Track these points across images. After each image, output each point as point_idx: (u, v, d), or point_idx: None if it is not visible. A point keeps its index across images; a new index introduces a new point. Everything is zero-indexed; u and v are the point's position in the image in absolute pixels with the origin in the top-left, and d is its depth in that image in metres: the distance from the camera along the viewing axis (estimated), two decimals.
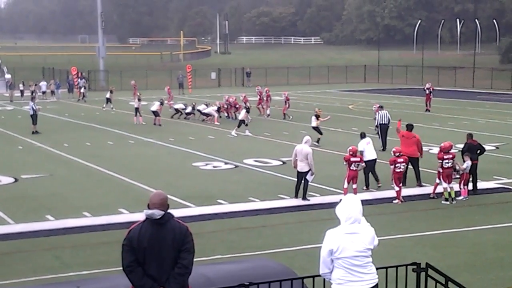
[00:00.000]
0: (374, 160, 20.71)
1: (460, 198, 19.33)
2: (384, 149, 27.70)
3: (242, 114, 34.03)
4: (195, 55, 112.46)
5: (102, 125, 37.68)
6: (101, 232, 16.19)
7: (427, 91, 44.69)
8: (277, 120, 39.72)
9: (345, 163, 19.38)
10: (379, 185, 20.67)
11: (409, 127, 21.68)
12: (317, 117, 30.27)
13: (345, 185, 19.34)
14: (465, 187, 19.58)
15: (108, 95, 47.41)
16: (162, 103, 38.91)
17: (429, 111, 43.87)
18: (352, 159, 19.13)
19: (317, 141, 29.20)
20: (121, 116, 42.24)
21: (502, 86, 64.24)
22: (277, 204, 18.89)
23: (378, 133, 28.69)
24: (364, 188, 20.49)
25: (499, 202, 19.28)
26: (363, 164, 19.49)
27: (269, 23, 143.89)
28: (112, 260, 12.90)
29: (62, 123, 39.72)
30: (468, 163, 19.46)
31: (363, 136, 21.07)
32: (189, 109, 40.24)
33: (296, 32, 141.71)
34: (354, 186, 19.19)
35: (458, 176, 19.44)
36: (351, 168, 19.13)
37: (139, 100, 38.66)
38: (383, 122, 28.52)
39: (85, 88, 56.45)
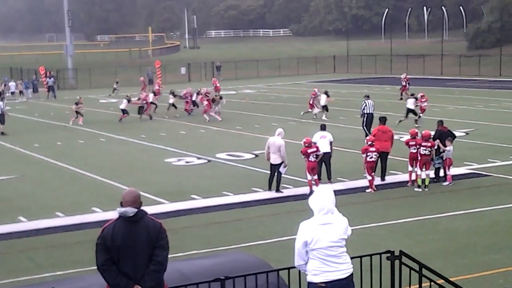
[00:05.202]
0: (325, 153, 19.94)
1: (446, 183, 19.56)
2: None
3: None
4: (164, 50, 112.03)
5: (73, 124, 37.35)
6: (74, 232, 16.11)
7: (403, 83, 44.85)
8: (248, 113, 39.69)
9: (303, 156, 19.31)
10: (329, 181, 20.04)
11: (383, 120, 21.21)
12: (327, 95, 34.22)
13: (308, 177, 19.23)
14: (449, 173, 19.77)
15: (74, 107, 39.36)
16: (129, 101, 38.50)
17: (402, 99, 43.75)
18: (309, 150, 19.07)
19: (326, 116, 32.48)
20: (91, 115, 41.89)
21: (470, 72, 64.71)
22: (251, 198, 18.92)
23: (363, 122, 28.03)
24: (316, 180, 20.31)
25: (470, 188, 19.48)
26: (321, 152, 19.41)
27: (238, 16, 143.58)
28: (86, 259, 12.83)
29: (32, 123, 39.36)
30: (450, 147, 19.65)
31: (322, 128, 20.94)
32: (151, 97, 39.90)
33: (265, 24, 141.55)
34: (315, 177, 19.14)
35: (438, 165, 19.65)
36: (310, 159, 19.09)
37: (128, 101, 38.20)
38: (369, 112, 28.07)
39: (52, 88, 55.76)
